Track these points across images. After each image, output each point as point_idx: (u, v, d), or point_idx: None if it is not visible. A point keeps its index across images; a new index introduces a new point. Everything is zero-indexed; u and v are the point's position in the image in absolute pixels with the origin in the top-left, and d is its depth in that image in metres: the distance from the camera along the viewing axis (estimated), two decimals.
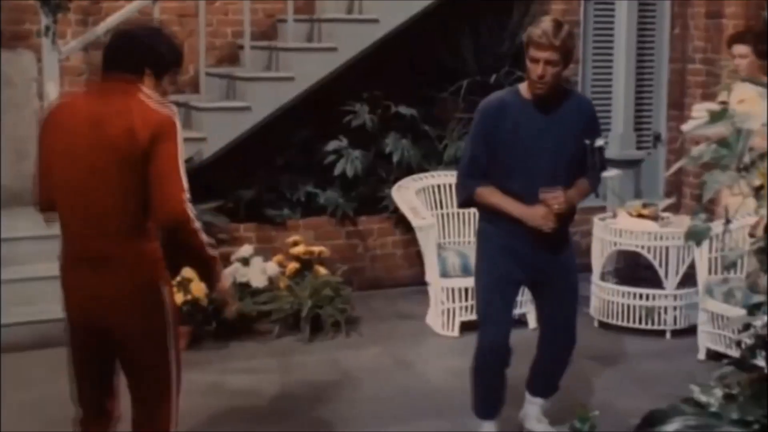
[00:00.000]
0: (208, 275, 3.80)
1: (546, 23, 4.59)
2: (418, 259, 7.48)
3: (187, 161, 6.76)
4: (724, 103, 5.30)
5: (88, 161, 3.54)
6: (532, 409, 5.13)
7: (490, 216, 4.78)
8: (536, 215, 4.62)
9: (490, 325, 4.78)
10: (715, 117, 2.21)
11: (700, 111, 6.19)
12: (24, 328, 6.14)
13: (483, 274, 4.85)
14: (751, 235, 6.06)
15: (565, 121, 4.68)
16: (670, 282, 6.66)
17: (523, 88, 4.72)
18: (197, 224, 3.60)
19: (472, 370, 4.88)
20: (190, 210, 3.55)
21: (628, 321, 6.74)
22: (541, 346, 5.05)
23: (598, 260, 6.94)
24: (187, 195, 3.54)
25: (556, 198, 4.60)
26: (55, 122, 3.68)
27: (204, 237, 3.66)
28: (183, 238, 3.57)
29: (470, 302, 6.44)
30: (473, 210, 5.54)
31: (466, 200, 4.88)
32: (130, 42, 3.75)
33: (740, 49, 6.15)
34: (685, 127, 5.07)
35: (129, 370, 3.76)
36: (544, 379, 5.10)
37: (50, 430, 5.07)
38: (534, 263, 4.75)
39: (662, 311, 6.68)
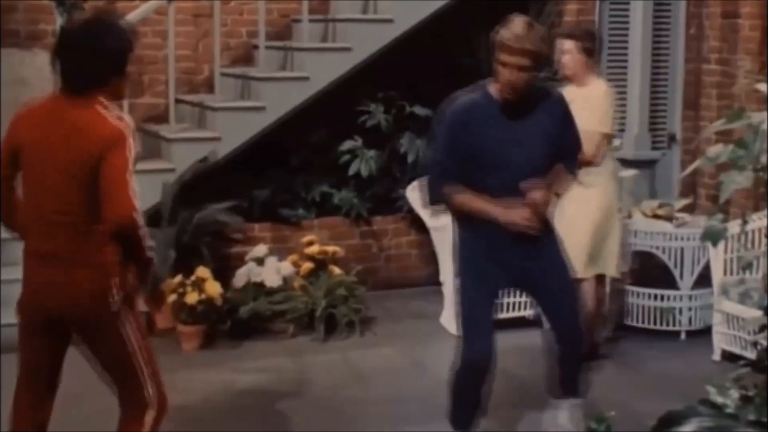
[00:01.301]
0: (144, 275, 3.84)
1: (517, 25, 4.34)
2: (432, 259, 7.47)
3: (202, 161, 6.86)
4: None
5: (41, 172, 3.68)
6: (563, 411, 4.94)
7: (465, 222, 4.61)
8: (518, 217, 4.40)
9: (476, 339, 4.59)
10: (732, 117, 2.21)
11: None
12: None
13: (465, 287, 4.66)
14: None
15: (537, 120, 4.49)
16: (685, 283, 6.64)
17: (493, 88, 4.50)
18: (144, 230, 3.68)
19: (454, 381, 4.70)
20: (139, 217, 3.63)
21: (643, 322, 6.72)
22: (556, 344, 4.86)
23: None
24: (136, 202, 3.61)
25: (537, 190, 4.39)
26: (17, 125, 3.81)
27: (147, 242, 3.73)
28: (129, 243, 3.67)
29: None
30: None
31: (438, 198, 4.65)
32: (88, 55, 3.67)
33: (565, 44, 5.99)
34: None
35: (93, 355, 3.90)
36: (567, 377, 4.92)
37: (50, 430, 5.07)
38: (517, 264, 4.55)
39: (677, 312, 6.66)
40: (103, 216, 3.59)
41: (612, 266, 6.11)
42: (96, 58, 3.67)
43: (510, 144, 4.44)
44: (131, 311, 3.82)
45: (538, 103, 4.53)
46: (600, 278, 6.19)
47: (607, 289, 6.47)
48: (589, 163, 5.38)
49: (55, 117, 3.71)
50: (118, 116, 3.68)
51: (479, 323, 4.61)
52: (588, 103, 5.72)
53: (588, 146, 5.33)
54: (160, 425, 3.96)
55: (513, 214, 4.40)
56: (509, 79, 4.34)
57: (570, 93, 5.73)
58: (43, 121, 3.75)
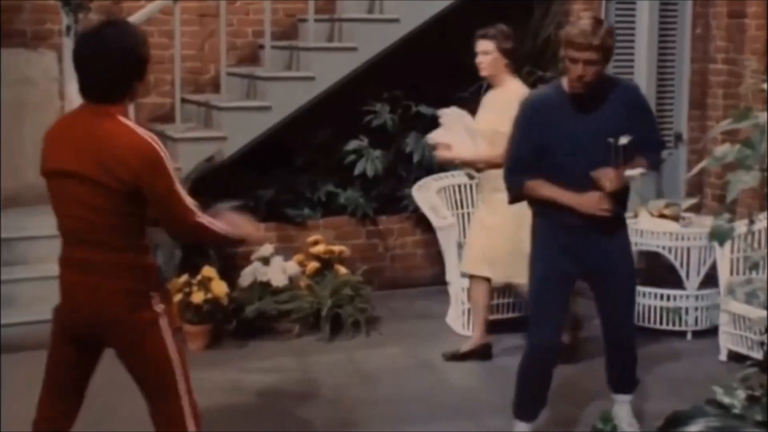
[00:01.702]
0: (237, 243, 3.98)
1: (584, 21, 4.47)
2: (438, 258, 7.47)
3: (208, 160, 6.86)
4: None
5: (78, 189, 3.59)
6: (622, 409, 5.01)
7: (542, 210, 4.70)
8: (590, 201, 4.51)
9: (541, 326, 4.71)
10: (739, 117, 2.20)
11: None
12: (24, 329, 6.16)
13: (535, 271, 4.77)
14: None
15: (610, 113, 4.57)
16: (692, 282, 6.63)
17: (566, 82, 4.61)
18: (209, 226, 3.68)
19: (519, 370, 4.80)
20: (199, 219, 3.64)
21: (649, 321, 6.71)
22: (607, 341, 4.96)
23: None
24: (192, 208, 3.61)
25: (606, 176, 4.48)
26: (50, 139, 3.76)
27: (219, 227, 3.72)
28: (205, 242, 3.69)
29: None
30: None
31: (516, 196, 4.79)
32: (107, 65, 3.56)
33: (484, 45, 5.99)
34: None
35: (129, 370, 3.79)
36: (618, 375, 5.03)
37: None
38: (589, 255, 4.67)
39: (683, 312, 6.64)
40: (167, 232, 3.70)
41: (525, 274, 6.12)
42: (120, 64, 3.57)
43: (584, 136, 4.52)
44: (170, 323, 3.75)
45: (610, 94, 4.60)
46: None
47: None
48: (499, 165, 5.32)
49: (82, 131, 3.62)
50: (143, 129, 3.62)
51: (545, 309, 4.72)
52: (502, 104, 5.71)
53: (497, 148, 5.39)
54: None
55: (586, 200, 4.51)
56: (579, 75, 4.44)
57: (490, 96, 5.79)
58: (71, 136, 3.65)
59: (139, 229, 3.67)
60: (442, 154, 6.11)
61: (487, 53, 5.98)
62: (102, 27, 3.66)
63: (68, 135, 3.67)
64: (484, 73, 6.04)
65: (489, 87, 6.26)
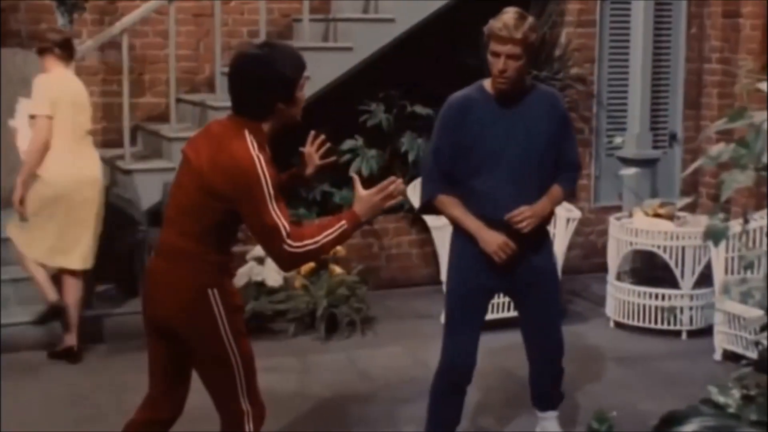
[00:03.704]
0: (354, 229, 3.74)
1: (507, 15, 4.31)
2: (433, 258, 7.48)
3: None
4: None
5: (186, 175, 3.71)
6: (549, 425, 4.89)
7: (459, 225, 4.55)
8: (492, 243, 4.37)
9: (455, 342, 4.55)
10: (734, 117, 2.21)
11: None
12: (23, 329, 6.16)
13: (451, 285, 4.64)
14: None
15: (532, 116, 4.44)
16: (687, 282, 6.64)
17: (487, 83, 4.47)
18: (306, 244, 3.60)
19: (431, 386, 4.65)
20: (292, 243, 3.56)
21: (644, 321, 6.72)
22: (531, 358, 4.80)
23: (614, 260, 6.93)
24: (284, 233, 3.54)
25: (522, 216, 4.35)
26: (195, 137, 3.90)
27: (319, 239, 3.62)
28: (308, 260, 3.78)
29: None
30: None
31: (425, 205, 4.64)
32: (245, 83, 3.65)
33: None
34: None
35: (193, 362, 3.86)
36: (547, 391, 4.87)
37: (50, 431, 5.09)
38: (513, 269, 4.46)
39: (678, 311, 6.65)
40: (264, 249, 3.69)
41: (77, 260, 6.14)
42: (255, 85, 3.64)
43: (505, 139, 4.41)
44: (236, 319, 3.77)
45: (536, 100, 4.49)
46: (76, 273, 6.19)
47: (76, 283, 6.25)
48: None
49: (215, 132, 3.74)
50: (258, 145, 3.62)
51: (461, 324, 4.57)
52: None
53: (36, 133, 5.90)
54: None
55: (490, 239, 4.38)
56: (500, 69, 4.32)
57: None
58: (208, 132, 3.80)
59: (220, 228, 3.68)
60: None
61: None
62: (252, 48, 3.78)
63: (209, 128, 3.84)
64: None
65: None
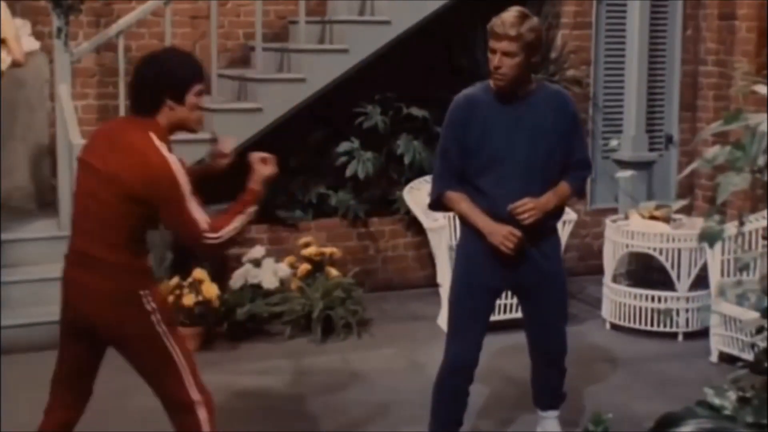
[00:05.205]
0: (259, 196, 4.05)
1: (508, 13, 4.32)
2: (429, 260, 7.48)
3: (199, 162, 6.84)
4: None
5: (97, 184, 3.78)
6: (549, 424, 4.90)
7: (467, 221, 4.57)
8: (498, 233, 4.37)
9: (458, 340, 4.56)
10: (730, 119, 2.21)
11: None
12: (23, 330, 6.16)
13: (456, 282, 4.63)
14: (765, 238, 6.06)
15: (538, 115, 4.43)
16: (683, 284, 6.64)
17: (492, 82, 4.47)
18: (222, 232, 3.81)
19: (434, 387, 4.64)
20: (210, 236, 3.78)
21: (640, 323, 6.72)
22: (534, 357, 4.82)
23: (610, 262, 6.93)
24: (202, 227, 3.74)
25: (524, 208, 4.36)
26: (92, 134, 4.02)
27: (235, 222, 3.87)
28: (228, 246, 4.02)
29: None
30: None
31: (434, 202, 4.66)
32: (140, 79, 3.83)
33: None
34: None
35: (135, 367, 3.92)
36: (549, 391, 4.88)
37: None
38: (519, 268, 4.48)
39: (674, 314, 6.66)
40: (183, 243, 3.90)
41: None
42: (147, 83, 3.81)
43: (509, 138, 4.42)
44: (164, 320, 3.84)
45: (543, 100, 4.49)
46: None
47: None
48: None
49: (115, 134, 3.87)
50: (166, 147, 3.76)
51: (465, 326, 4.57)
52: None
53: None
54: (215, 425, 3.97)
55: (495, 231, 4.39)
56: (495, 65, 4.33)
57: None
58: (106, 135, 3.91)
59: (140, 232, 3.81)
60: None
61: None
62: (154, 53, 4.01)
63: (104, 134, 3.94)
64: None
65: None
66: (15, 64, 6.68)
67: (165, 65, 3.82)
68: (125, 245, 3.76)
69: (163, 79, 3.77)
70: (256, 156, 4.12)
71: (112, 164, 3.71)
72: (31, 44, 7.00)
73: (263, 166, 4.09)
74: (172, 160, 3.71)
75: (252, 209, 3.95)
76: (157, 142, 3.72)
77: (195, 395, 3.90)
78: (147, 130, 3.73)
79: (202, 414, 3.91)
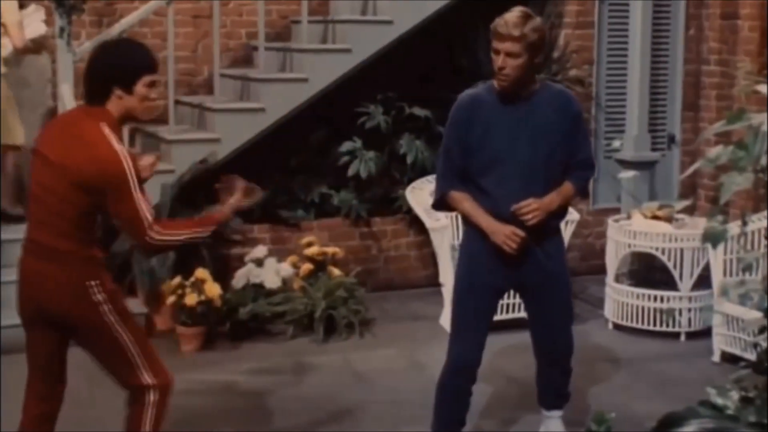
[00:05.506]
0: (223, 222, 4.12)
1: (511, 14, 4.31)
2: (431, 260, 7.48)
3: (201, 162, 6.86)
4: None
5: (48, 174, 3.86)
6: (553, 424, 4.90)
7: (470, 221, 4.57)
8: (501, 233, 4.37)
9: (461, 340, 4.55)
10: (732, 119, 2.21)
11: None
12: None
13: (459, 282, 4.61)
14: None
15: (541, 115, 4.42)
16: (685, 284, 6.64)
17: (496, 82, 4.47)
18: (170, 236, 3.87)
19: (437, 386, 4.65)
20: (153, 235, 3.80)
21: (643, 323, 6.72)
22: (538, 357, 4.80)
23: (612, 262, 6.93)
24: (147, 223, 3.77)
25: (528, 209, 4.36)
26: (47, 125, 4.14)
27: (184, 233, 3.94)
28: (168, 250, 4.08)
29: None
30: None
31: (437, 202, 4.67)
32: (91, 68, 3.88)
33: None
34: None
35: (83, 347, 4.05)
36: (553, 390, 4.88)
37: (61, 430, 5.07)
38: (523, 268, 4.48)
39: (677, 313, 6.65)
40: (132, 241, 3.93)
41: None
42: (96, 71, 3.86)
43: (512, 138, 4.41)
44: (115, 308, 3.92)
45: (546, 99, 4.48)
46: None
47: None
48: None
49: (67, 124, 3.95)
50: (116, 138, 3.81)
51: (467, 322, 4.57)
52: None
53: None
54: (167, 403, 4.04)
55: (498, 230, 4.39)
56: (499, 66, 4.32)
57: None
58: (60, 126, 4.01)
59: (90, 221, 3.88)
60: None
61: None
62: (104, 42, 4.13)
63: (58, 125, 4.05)
64: None
65: None
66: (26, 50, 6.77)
67: (114, 55, 3.88)
68: (75, 234, 3.82)
69: (112, 69, 3.82)
70: (241, 183, 4.11)
71: (63, 154, 3.78)
72: (39, 28, 6.97)
73: (243, 198, 4.10)
74: (121, 151, 3.75)
75: (208, 231, 4.00)
76: (108, 133, 3.76)
77: (147, 379, 3.97)
78: (98, 121, 3.78)
79: (151, 397, 3.99)
